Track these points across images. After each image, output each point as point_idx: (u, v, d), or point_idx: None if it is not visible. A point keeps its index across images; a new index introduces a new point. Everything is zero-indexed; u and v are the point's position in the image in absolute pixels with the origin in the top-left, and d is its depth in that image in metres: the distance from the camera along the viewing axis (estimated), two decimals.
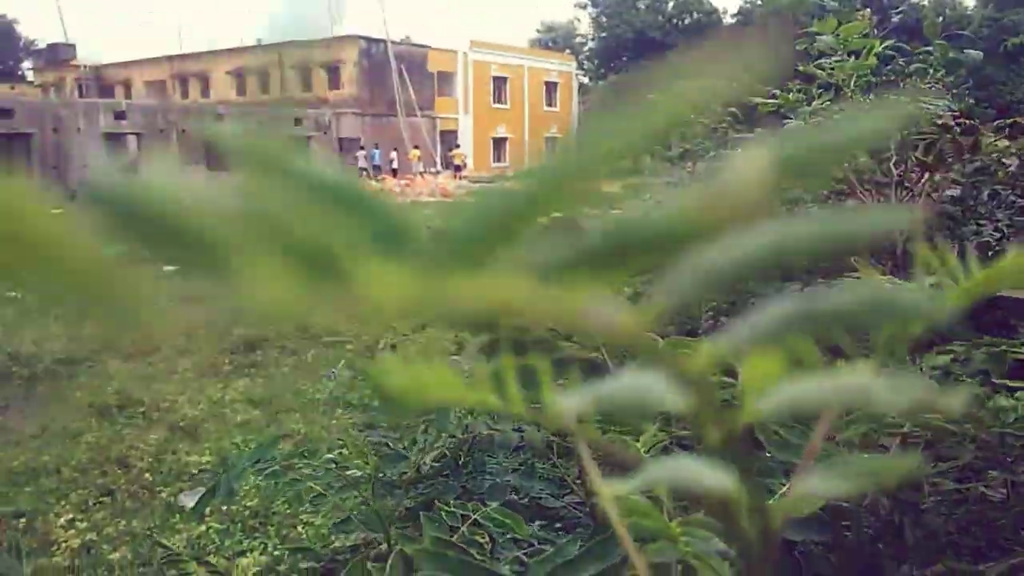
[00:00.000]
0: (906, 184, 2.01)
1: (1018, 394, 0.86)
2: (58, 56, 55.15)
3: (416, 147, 38.09)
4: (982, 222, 2.17)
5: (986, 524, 0.90)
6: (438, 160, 40.14)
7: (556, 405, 0.25)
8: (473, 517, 0.83)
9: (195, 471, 5.49)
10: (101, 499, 5.21)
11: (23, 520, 5.02)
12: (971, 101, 4.49)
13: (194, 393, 7.01)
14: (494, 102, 44.06)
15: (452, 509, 0.87)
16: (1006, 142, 2.51)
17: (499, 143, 44.46)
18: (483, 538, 0.79)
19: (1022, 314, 1.91)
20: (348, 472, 1.20)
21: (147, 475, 5.46)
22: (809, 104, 2.39)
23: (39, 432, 6.28)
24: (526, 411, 0.27)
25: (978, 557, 0.78)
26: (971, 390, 1.00)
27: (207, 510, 5.03)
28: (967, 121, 2.20)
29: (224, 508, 5.03)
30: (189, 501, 5.04)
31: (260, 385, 7.30)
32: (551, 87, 47.95)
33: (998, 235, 2.14)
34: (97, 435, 6.16)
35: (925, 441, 0.98)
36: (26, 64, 74.97)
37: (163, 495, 5.21)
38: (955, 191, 2.44)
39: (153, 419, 6.48)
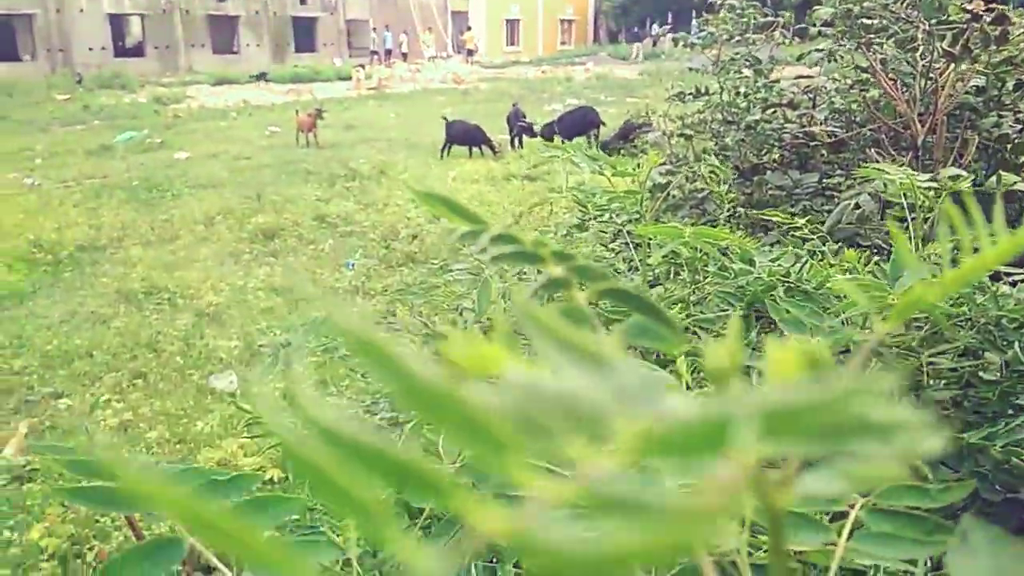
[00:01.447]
0: (930, 75, 2.00)
1: (1020, 285, 0.92)
2: None
3: (429, 29, 36.92)
4: (1004, 113, 2.16)
5: (977, 399, 0.99)
6: (449, 43, 38.98)
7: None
8: None
9: (223, 355, 5.70)
10: (134, 381, 5.44)
11: (62, 400, 5.26)
12: None
13: (216, 281, 7.16)
14: None
15: None
16: None
17: (512, 25, 42.99)
18: None
19: None
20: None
21: (177, 359, 5.68)
22: None
23: (68, 317, 6.47)
24: None
25: (969, 429, 0.86)
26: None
27: (237, 394, 5.22)
28: (999, 8, 2.16)
29: (253, 391, 5.26)
30: (220, 383, 5.26)
31: (279, 274, 7.43)
32: None
33: (1019, 127, 2.14)
34: (125, 320, 6.36)
35: (926, 323, 1.05)
36: None
37: (194, 378, 5.43)
38: (979, 81, 2.42)
39: (179, 305, 6.66)
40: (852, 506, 0.48)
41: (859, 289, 0.67)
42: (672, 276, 1.23)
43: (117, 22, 31.20)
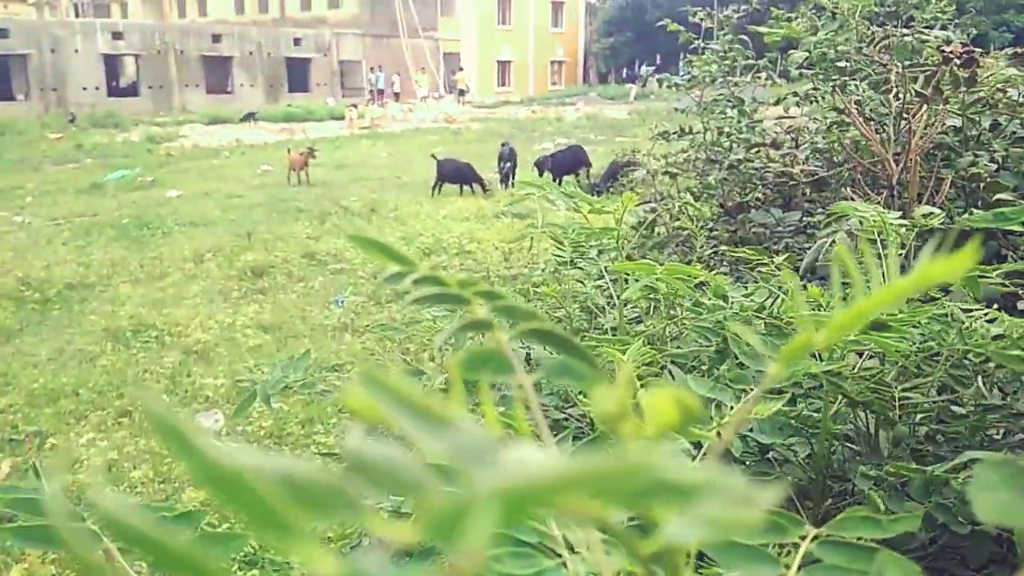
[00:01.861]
0: (904, 116, 2.05)
1: (981, 321, 0.94)
2: None
3: (422, 69, 37.40)
4: (980, 152, 2.20)
5: (949, 434, 1.00)
6: (442, 84, 39.47)
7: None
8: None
9: (210, 393, 5.66)
10: (119, 420, 5.40)
11: (44, 439, 5.21)
12: (985, 28, 4.42)
13: (204, 318, 7.14)
14: (499, 23, 43.03)
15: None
16: (1013, 71, 2.52)
17: (503, 66, 43.60)
18: None
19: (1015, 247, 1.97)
20: None
21: (164, 397, 5.64)
22: (815, 34, 2.40)
23: (55, 355, 6.43)
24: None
25: (939, 462, 0.88)
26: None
27: (223, 432, 5.19)
28: (970, 51, 2.22)
29: (240, 429, 5.23)
30: (206, 422, 5.22)
31: (268, 311, 7.42)
32: (557, 7, 46.71)
33: (994, 166, 2.18)
34: (112, 358, 6.32)
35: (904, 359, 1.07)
36: None
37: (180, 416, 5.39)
38: (957, 122, 2.47)
39: (166, 343, 6.63)
40: (803, 538, 0.49)
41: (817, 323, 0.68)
42: (652, 312, 1.25)
43: (112, 62, 31.51)
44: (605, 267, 1.21)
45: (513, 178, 12.66)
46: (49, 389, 5.78)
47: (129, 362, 6.24)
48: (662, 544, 0.28)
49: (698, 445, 0.64)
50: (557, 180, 11.73)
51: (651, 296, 1.22)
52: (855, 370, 0.93)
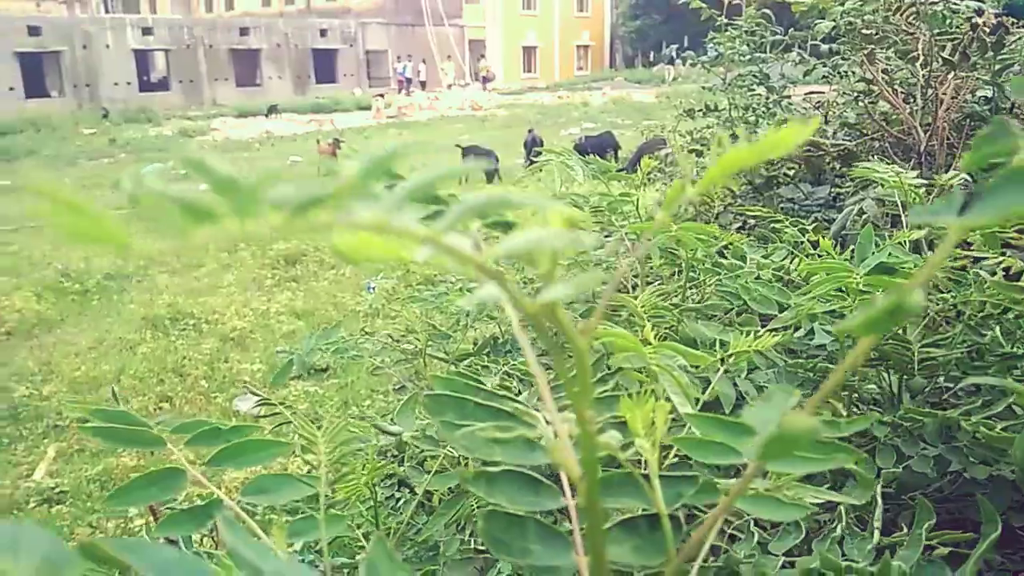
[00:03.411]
0: (931, 84, 2.03)
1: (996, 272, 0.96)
2: None
3: (448, 57, 37.41)
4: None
5: (970, 388, 1.02)
6: (467, 71, 39.43)
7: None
8: (503, 368, 0.97)
9: (247, 378, 5.78)
10: (161, 405, 5.54)
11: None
12: None
13: (240, 306, 7.27)
14: (523, 8, 42.82)
15: (487, 363, 1.02)
16: None
17: (529, 52, 43.42)
18: (512, 384, 0.91)
19: None
20: (403, 347, 1.36)
21: (203, 382, 5.77)
22: (842, 4, 2.38)
23: (96, 344, 6.60)
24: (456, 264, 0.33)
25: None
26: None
27: (261, 413, 5.32)
28: (1001, 21, 2.19)
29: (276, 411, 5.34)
30: (244, 405, 5.33)
31: (301, 298, 7.53)
32: None
33: None
34: (152, 346, 6.47)
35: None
36: None
37: (218, 400, 5.52)
38: (988, 92, 2.44)
39: (203, 331, 6.77)
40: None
41: (824, 269, 0.71)
42: (674, 277, 1.27)
43: (142, 57, 31.91)
44: (626, 233, 1.24)
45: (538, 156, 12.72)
46: (91, 377, 5.94)
47: (168, 349, 6.38)
48: (545, 301, 0.31)
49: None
50: None
51: (673, 262, 1.25)
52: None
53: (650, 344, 0.64)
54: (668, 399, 0.60)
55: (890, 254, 0.81)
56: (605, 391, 0.54)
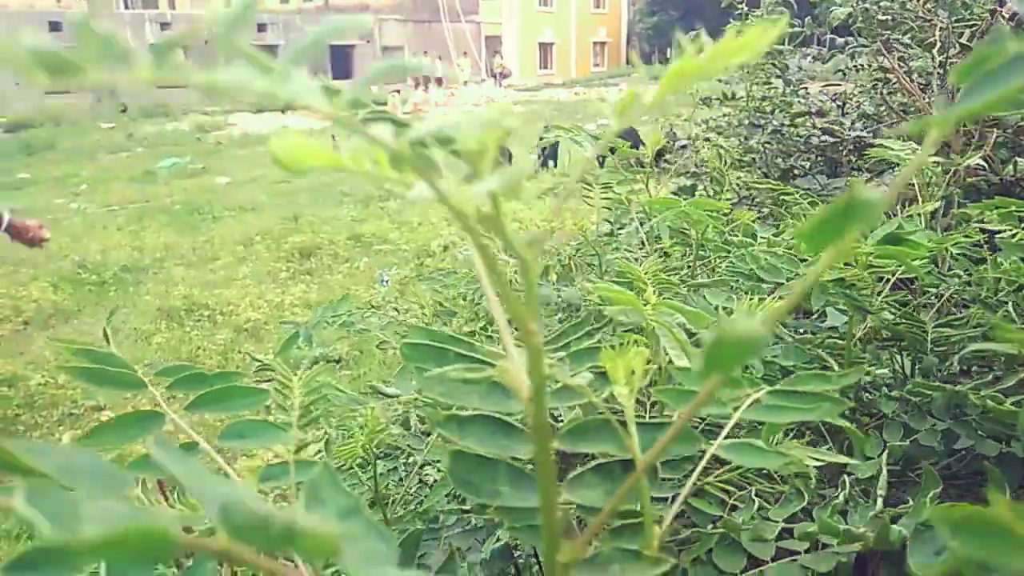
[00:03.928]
0: (948, 71, 2.00)
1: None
2: None
3: (465, 53, 37.44)
4: None
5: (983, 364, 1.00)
6: (483, 68, 39.45)
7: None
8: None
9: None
10: (174, 395, 5.58)
11: (104, 412, 5.41)
12: None
13: (254, 298, 7.30)
14: (540, 5, 42.75)
15: (491, 334, 1.01)
16: None
17: (545, 48, 43.37)
18: None
19: None
20: (408, 322, 1.35)
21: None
22: None
23: (112, 334, 6.65)
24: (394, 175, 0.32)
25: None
26: None
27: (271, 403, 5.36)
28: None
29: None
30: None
31: (315, 290, 7.55)
32: None
33: None
34: (167, 336, 6.51)
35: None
36: None
37: None
38: None
39: (218, 321, 6.80)
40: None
41: None
42: (684, 257, 1.26)
43: None
44: (636, 213, 1.22)
45: (555, 161, 12.62)
46: (107, 369, 5.98)
47: (183, 340, 6.42)
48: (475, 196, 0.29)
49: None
50: None
51: (684, 243, 1.23)
52: (880, 296, 0.92)
53: (650, 304, 0.63)
54: (666, 352, 0.58)
55: (899, 226, 0.79)
56: (590, 344, 0.52)
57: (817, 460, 0.64)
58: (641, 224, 1.22)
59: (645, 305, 0.62)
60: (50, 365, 6.06)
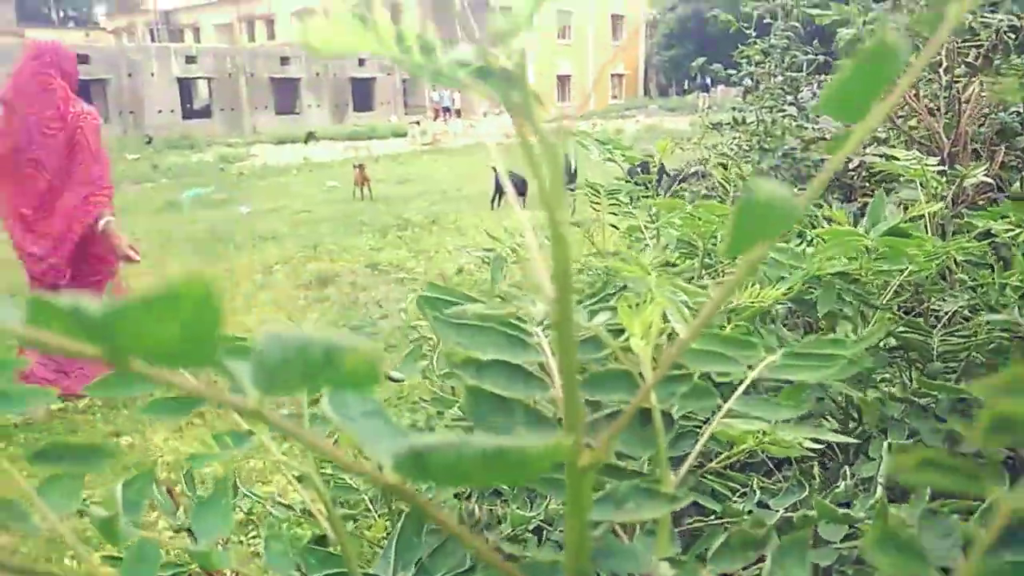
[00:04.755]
0: (954, 85, 2.03)
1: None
2: (128, 1, 56.40)
3: None
4: None
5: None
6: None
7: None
8: None
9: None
10: (192, 421, 5.61)
11: (123, 438, 5.46)
12: None
13: (272, 324, 7.37)
14: (559, 38, 43.27)
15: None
16: None
17: (563, 80, 43.80)
18: None
19: None
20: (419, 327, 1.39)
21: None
22: (866, 13, 2.40)
23: None
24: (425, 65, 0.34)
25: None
26: None
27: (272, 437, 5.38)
28: None
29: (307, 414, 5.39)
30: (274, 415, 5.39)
31: (332, 317, 7.62)
32: (617, 20, 46.76)
33: None
34: None
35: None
36: (98, 10, 76.92)
37: None
38: (1019, 107, 2.43)
39: None
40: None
41: (835, 234, 0.72)
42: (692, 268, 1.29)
43: (186, 85, 32.77)
44: (634, 207, 1.26)
45: (574, 181, 12.70)
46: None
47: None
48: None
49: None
50: None
51: (691, 254, 1.26)
52: (886, 292, 0.95)
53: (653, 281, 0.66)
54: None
55: (900, 221, 0.82)
56: (606, 306, 0.55)
57: (818, 443, 0.67)
58: (652, 238, 1.25)
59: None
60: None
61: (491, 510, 0.84)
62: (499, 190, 12.66)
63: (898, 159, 1.15)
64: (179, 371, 0.35)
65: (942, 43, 2.12)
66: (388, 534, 0.78)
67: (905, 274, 0.93)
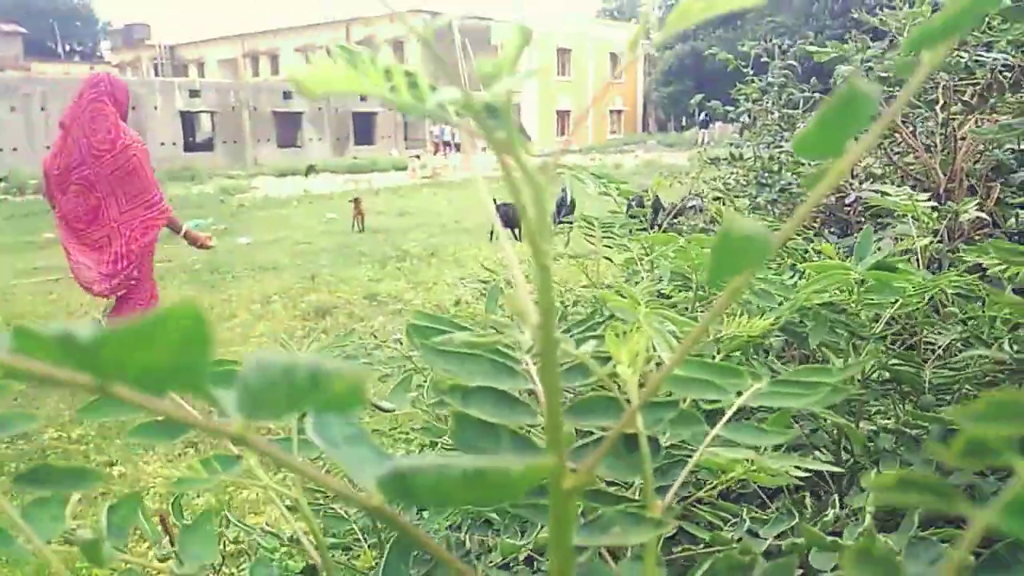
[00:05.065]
0: (949, 125, 2.06)
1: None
2: (133, 36, 57.13)
3: None
4: None
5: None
6: None
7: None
8: None
9: (272, 425, 5.81)
10: (186, 450, 5.58)
11: (115, 468, 5.42)
12: None
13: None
14: (558, 74, 43.79)
15: None
16: None
17: (563, 116, 44.24)
18: None
19: None
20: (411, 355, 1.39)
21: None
22: (863, 51, 2.43)
23: None
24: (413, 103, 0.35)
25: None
26: None
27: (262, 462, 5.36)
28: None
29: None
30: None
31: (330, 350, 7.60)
32: (616, 59, 47.34)
33: None
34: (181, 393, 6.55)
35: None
36: (104, 45, 77.90)
37: None
38: (1013, 144, 2.45)
39: None
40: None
41: (824, 268, 0.73)
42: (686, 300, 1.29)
43: (188, 119, 33.06)
44: (629, 241, 1.27)
45: (571, 213, 12.77)
46: (120, 421, 6.01)
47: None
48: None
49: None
50: None
51: (685, 286, 1.26)
52: (878, 324, 0.95)
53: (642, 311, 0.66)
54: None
55: (891, 253, 0.83)
56: (593, 335, 0.56)
57: (810, 474, 0.66)
58: (647, 271, 1.26)
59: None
60: (64, 420, 6.11)
61: (482, 540, 0.83)
62: (504, 223, 12.70)
63: (889, 194, 1.16)
64: (167, 396, 0.35)
65: (918, 87, 2.15)
66: (376, 563, 0.78)
67: (896, 307, 0.94)
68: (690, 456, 0.51)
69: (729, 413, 0.52)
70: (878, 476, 0.28)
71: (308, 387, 0.26)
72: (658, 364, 0.51)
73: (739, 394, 0.52)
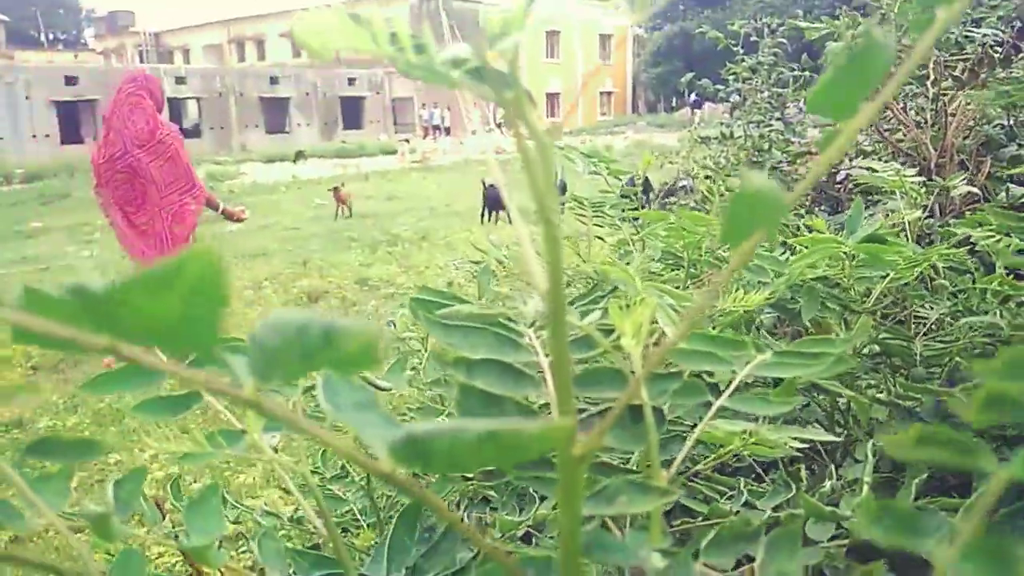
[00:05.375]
0: (941, 97, 2.06)
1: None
2: (117, 23, 56.49)
3: (475, 103, 38.08)
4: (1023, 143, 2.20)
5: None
6: (491, 118, 40.02)
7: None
8: None
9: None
10: (182, 435, 5.59)
11: (112, 455, 5.42)
12: None
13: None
14: (547, 56, 43.57)
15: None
16: None
17: (552, 98, 44.07)
18: None
19: None
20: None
21: (221, 416, 5.81)
22: (855, 28, 2.43)
23: None
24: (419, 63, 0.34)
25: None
26: None
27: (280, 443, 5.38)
28: (1016, 45, 2.22)
29: (295, 444, 5.36)
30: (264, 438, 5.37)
31: None
32: (605, 39, 47.15)
33: None
34: (172, 380, 6.54)
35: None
36: (88, 32, 77.03)
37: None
38: (1003, 120, 2.46)
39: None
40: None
41: (815, 241, 0.74)
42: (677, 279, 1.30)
43: (175, 105, 32.75)
44: (630, 235, 1.27)
45: (564, 193, 12.76)
46: (114, 409, 6.01)
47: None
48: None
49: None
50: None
51: (676, 265, 1.27)
52: (869, 298, 0.96)
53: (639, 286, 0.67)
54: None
55: (881, 226, 0.84)
56: (597, 307, 0.56)
57: (805, 445, 0.67)
58: (639, 249, 1.26)
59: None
60: (59, 409, 6.11)
61: (480, 517, 0.84)
62: (488, 205, 12.68)
63: (875, 169, 1.17)
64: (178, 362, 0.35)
65: (930, 48, 2.16)
66: (376, 544, 0.78)
67: (887, 280, 0.94)
68: (691, 430, 0.51)
69: (734, 384, 0.52)
70: (896, 435, 0.28)
71: (322, 345, 0.25)
72: (658, 339, 0.52)
73: (746, 364, 0.52)
